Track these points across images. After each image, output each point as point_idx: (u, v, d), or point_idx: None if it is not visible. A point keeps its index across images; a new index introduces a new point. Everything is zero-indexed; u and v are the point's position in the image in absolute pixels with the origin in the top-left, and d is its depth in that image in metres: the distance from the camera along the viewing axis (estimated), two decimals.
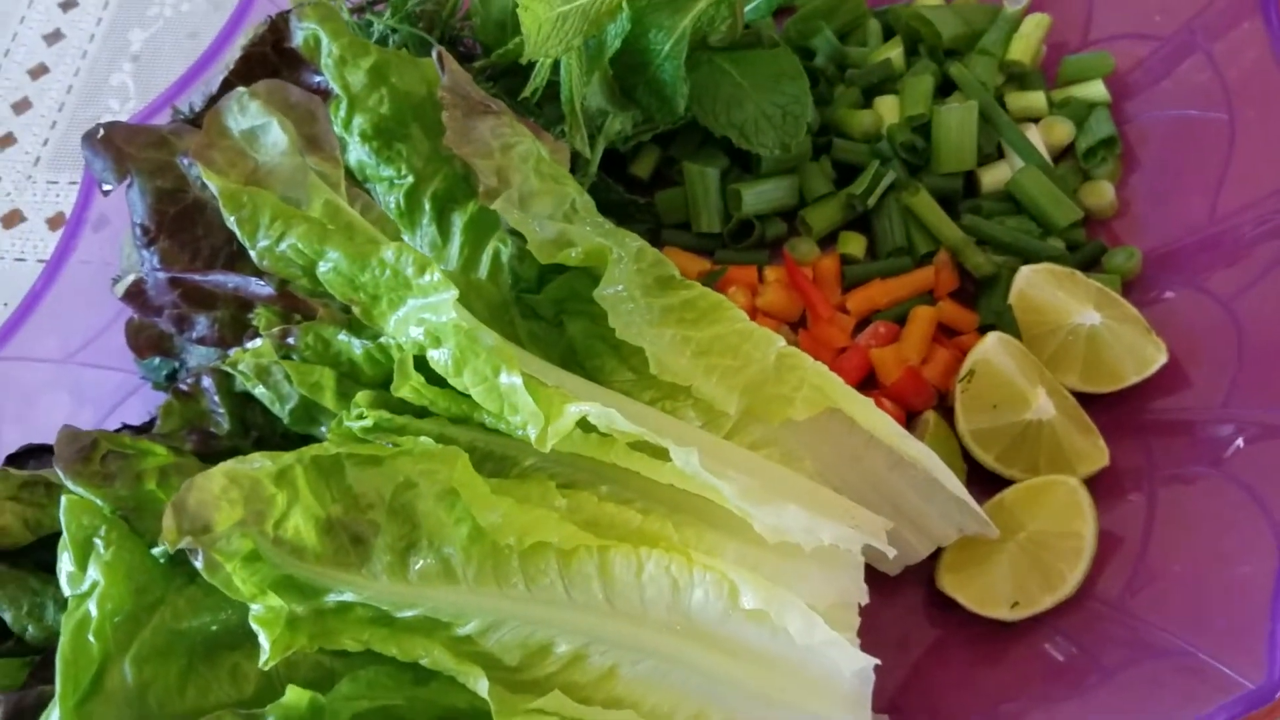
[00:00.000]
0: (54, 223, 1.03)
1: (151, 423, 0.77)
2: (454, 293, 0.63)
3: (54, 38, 1.15)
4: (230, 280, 0.74)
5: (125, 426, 0.80)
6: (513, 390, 0.62)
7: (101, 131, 0.78)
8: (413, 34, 0.91)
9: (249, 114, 0.69)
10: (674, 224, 0.94)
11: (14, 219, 1.04)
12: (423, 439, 0.64)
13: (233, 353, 0.73)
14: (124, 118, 1.08)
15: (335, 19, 0.77)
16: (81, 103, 1.11)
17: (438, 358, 0.64)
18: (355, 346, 0.69)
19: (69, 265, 0.92)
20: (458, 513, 0.60)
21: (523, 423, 0.63)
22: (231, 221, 0.64)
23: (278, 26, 0.80)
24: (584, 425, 0.64)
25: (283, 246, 0.64)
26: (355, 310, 0.66)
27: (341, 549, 0.58)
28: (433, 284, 0.63)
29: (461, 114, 0.73)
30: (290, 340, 0.70)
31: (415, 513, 0.60)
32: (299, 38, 0.79)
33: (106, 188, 0.78)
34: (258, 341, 0.72)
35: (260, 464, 0.59)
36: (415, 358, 0.67)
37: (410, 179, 0.75)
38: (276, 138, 0.70)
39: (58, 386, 0.89)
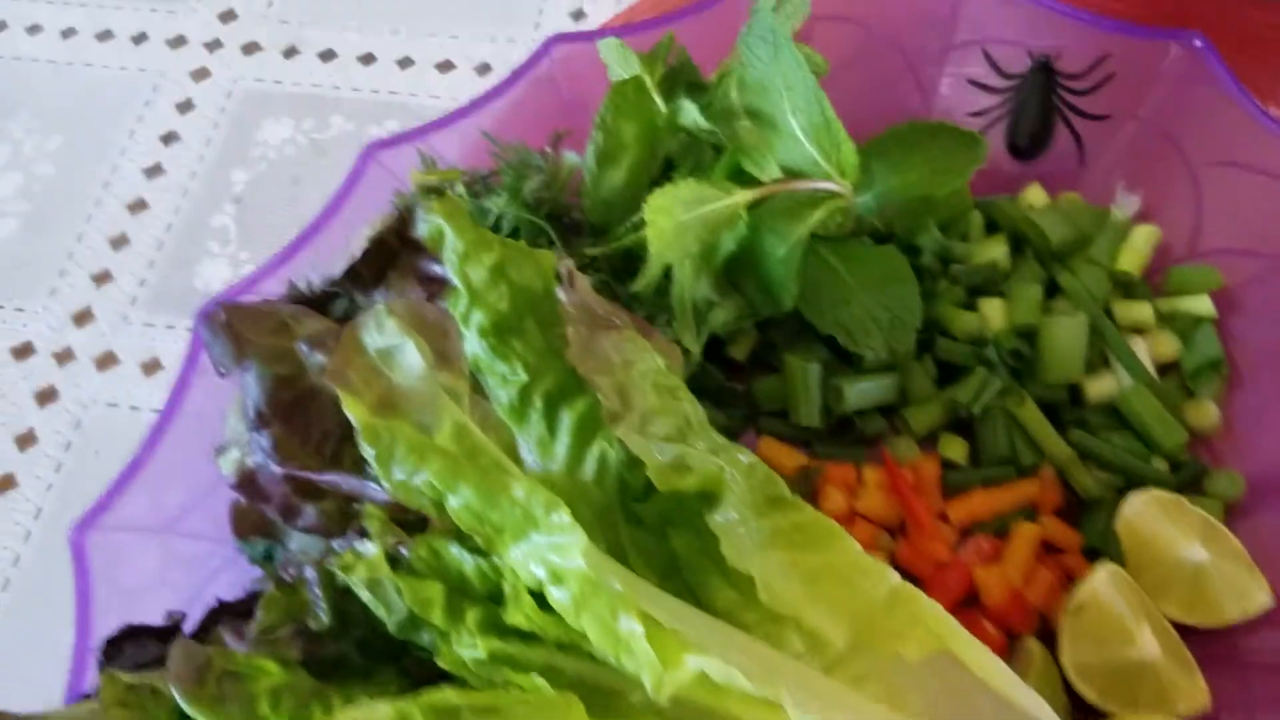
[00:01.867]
0: (148, 368, 1.05)
1: (246, 600, 0.78)
2: (581, 537, 0.63)
3: (154, 171, 1.17)
4: (345, 482, 0.74)
5: (222, 604, 0.80)
6: (632, 637, 0.62)
7: (223, 316, 0.79)
8: (526, 219, 0.92)
9: (386, 332, 0.70)
10: (770, 411, 0.94)
11: (108, 362, 1.06)
12: (537, 678, 0.64)
13: (340, 550, 0.74)
14: (224, 261, 1.11)
15: (460, 215, 0.78)
16: (181, 241, 1.13)
17: (558, 597, 0.64)
18: (467, 562, 0.69)
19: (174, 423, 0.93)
20: None
21: (637, 668, 0.62)
22: (369, 454, 0.65)
23: (404, 217, 0.81)
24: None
25: (416, 481, 0.64)
26: (478, 540, 0.67)
27: None
28: (560, 525, 0.63)
29: (586, 329, 0.74)
30: (403, 551, 0.71)
31: None
32: (424, 229, 0.80)
33: (222, 371, 0.79)
34: (369, 546, 0.72)
35: (379, 713, 0.58)
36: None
37: (523, 376, 0.75)
38: (413, 360, 0.71)
39: (149, 545, 0.90)
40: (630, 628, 0.62)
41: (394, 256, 0.84)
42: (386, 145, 1.02)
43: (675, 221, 0.81)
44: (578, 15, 1.26)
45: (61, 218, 1.15)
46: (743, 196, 0.84)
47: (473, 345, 0.76)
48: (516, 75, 1.07)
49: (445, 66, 1.23)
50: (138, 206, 1.15)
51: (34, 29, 1.30)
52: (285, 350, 0.79)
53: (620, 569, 0.66)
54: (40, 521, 0.97)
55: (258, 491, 0.78)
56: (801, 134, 0.87)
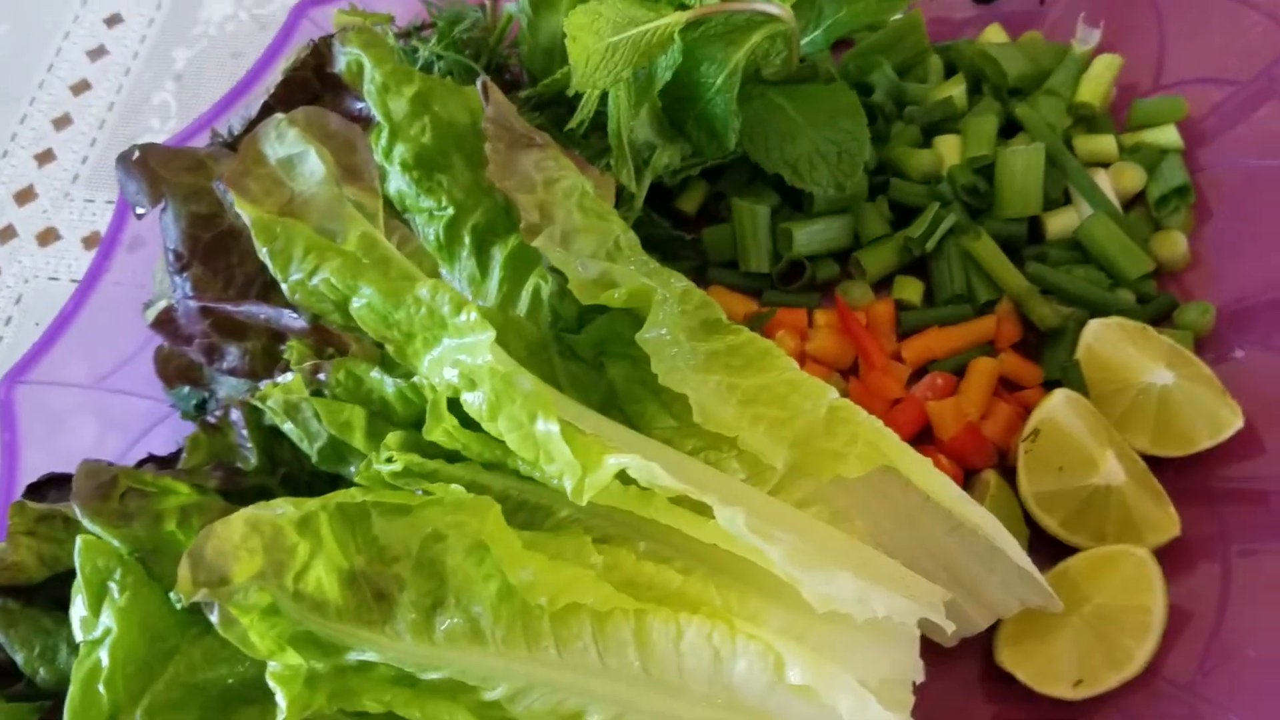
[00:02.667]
0: (89, 242, 1.02)
1: (178, 454, 0.75)
2: (491, 334, 0.60)
3: (98, 53, 1.15)
4: (262, 311, 0.72)
5: (151, 457, 0.77)
6: (549, 438, 0.60)
7: (137, 153, 0.76)
8: (458, 61, 0.89)
9: (287, 142, 0.67)
10: (721, 262, 0.91)
11: (49, 237, 1.03)
12: (454, 487, 0.61)
13: (263, 386, 0.71)
14: (165, 137, 1.08)
15: (379, 45, 0.75)
16: (122, 121, 1.10)
17: (472, 401, 0.62)
18: (388, 385, 0.67)
19: (101, 287, 0.91)
20: (487, 569, 0.57)
21: (559, 473, 0.60)
22: (264, 253, 0.62)
23: (320, 51, 0.78)
24: (623, 478, 0.61)
25: (315, 281, 0.61)
26: (388, 348, 0.64)
27: (364, 605, 0.55)
28: (469, 324, 0.61)
29: (505, 146, 0.71)
30: (321, 376, 0.68)
31: (443, 568, 0.57)
32: (342, 63, 0.77)
33: (140, 211, 0.77)
34: (288, 376, 0.69)
35: (283, 510, 0.56)
36: (449, 400, 0.64)
37: (450, 210, 0.73)
38: (314, 167, 0.68)
39: (85, 410, 0.87)
40: (546, 429, 0.59)
41: (315, 96, 0.80)
42: (318, 2, 0.99)
43: (603, 43, 0.78)
44: None
45: (6, 100, 1.12)
46: (675, 17, 0.80)
47: (396, 181, 0.73)
48: None
49: None
50: (80, 87, 1.12)
51: None
52: (203, 188, 0.76)
53: (537, 380, 0.63)
54: None
55: (178, 333, 0.76)
56: None
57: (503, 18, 0.96)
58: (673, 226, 0.92)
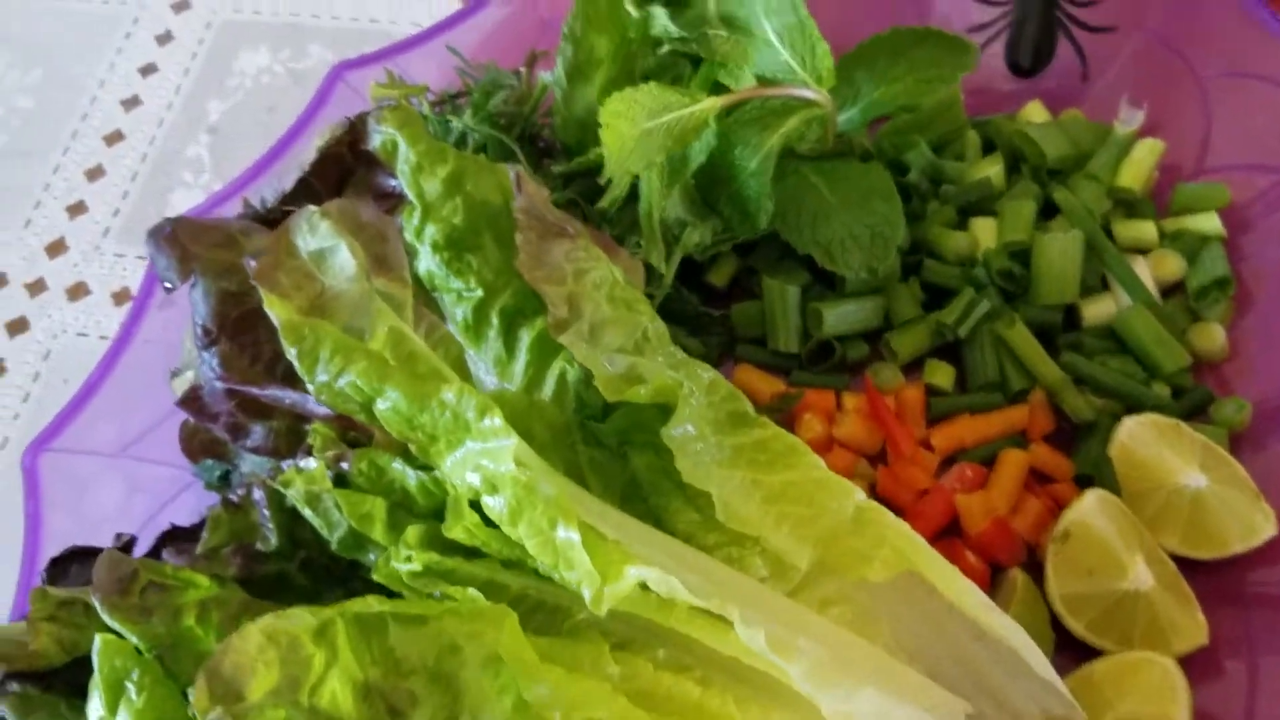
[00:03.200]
0: (119, 297, 1.03)
1: (200, 525, 0.75)
2: (514, 441, 0.60)
3: (131, 104, 1.15)
4: (288, 396, 0.72)
5: (174, 529, 0.77)
6: (569, 546, 0.59)
7: (168, 229, 0.76)
8: (492, 135, 0.88)
9: (319, 234, 0.68)
10: (750, 338, 0.90)
11: (79, 292, 1.04)
12: (471, 592, 0.61)
13: (286, 467, 0.71)
14: (197, 192, 1.08)
15: (414, 124, 0.75)
16: (155, 173, 1.11)
17: (493, 505, 0.61)
18: (410, 477, 0.67)
19: (131, 348, 0.91)
20: (502, 683, 0.57)
21: (578, 581, 0.59)
22: (292, 354, 0.62)
23: (356, 128, 0.78)
24: (643, 585, 0.60)
25: (341, 383, 0.61)
26: (412, 448, 0.64)
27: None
28: (493, 429, 0.60)
29: (536, 237, 0.71)
30: (344, 465, 0.68)
31: (458, 682, 0.56)
32: (376, 140, 0.77)
33: (168, 286, 0.77)
34: (311, 462, 0.69)
35: (300, 619, 0.56)
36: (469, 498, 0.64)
37: (479, 292, 0.72)
38: (344, 262, 0.68)
39: (111, 473, 0.88)
40: (567, 536, 0.59)
41: (349, 172, 0.81)
42: (354, 65, 1.00)
43: (637, 129, 0.77)
44: None
45: (38, 150, 1.13)
46: (710, 103, 0.80)
47: (426, 261, 0.72)
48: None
49: None
50: (114, 138, 1.13)
51: None
52: (233, 265, 0.76)
53: (560, 479, 0.63)
54: (6, 451, 0.96)
55: (204, 409, 0.76)
56: (775, 38, 0.82)
57: (537, 87, 0.96)
58: (702, 300, 0.92)
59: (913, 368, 0.88)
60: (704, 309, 0.90)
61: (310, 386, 0.63)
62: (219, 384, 0.74)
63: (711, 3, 0.94)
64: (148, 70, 1.17)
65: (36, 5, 1.23)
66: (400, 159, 0.74)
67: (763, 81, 0.84)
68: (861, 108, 0.89)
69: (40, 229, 1.08)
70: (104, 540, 0.73)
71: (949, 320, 0.84)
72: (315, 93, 0.98)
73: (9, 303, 1.04)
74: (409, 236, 0.73)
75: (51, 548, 0.74)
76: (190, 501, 0.86)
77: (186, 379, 0.81)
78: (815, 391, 0.86)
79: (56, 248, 1.07)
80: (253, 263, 0.74)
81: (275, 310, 0.63)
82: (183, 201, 1.08)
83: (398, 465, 0.67)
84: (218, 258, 0.78)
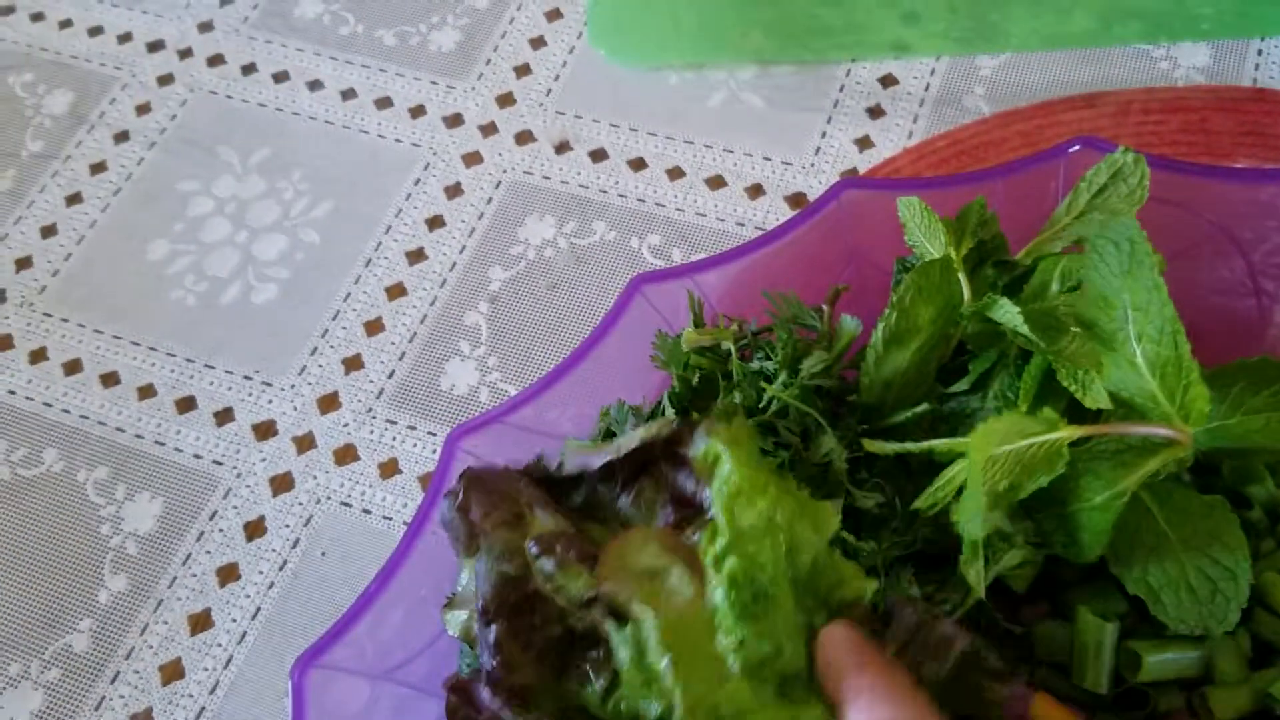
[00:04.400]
0: (385, 470, 1.03)
1: None
2: None
3: (416, 257, 1.16)
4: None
5: None
6: None
7: (460, 496, 0.76)
8: (799, 406, 0.85)
9: (648, 554, 0.65)
10: (1051, 663, 0.84)
11: (347, 456, 1.04)
12: None
13: None
14: (471, 365, 1.08)
15: (744, 444, 0.72)
16: (432, 337, 1.11)
17: None
18: None
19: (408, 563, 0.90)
20: None
21: None
22: None
23: (681, 434, 0.75)
24: None
25: None
26: None
27: None
28: None
29: None
30: None
31: None
32: (699, 449, 0.74)
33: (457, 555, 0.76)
34: None
35: None
36: None
37: (765, 648, 0.68)
38: (677, 583, 0.65)
39: (358, 685, 0.87)
40: None
41: (652, 461, 0.78)
42: (653, 280, 0.98)
43: (985, 455, 0.73)
44: (863, 144, 1.18)
45: (322, 291, 1.15)
46: (1067, 433, 0.75)
47: (717, 595, 0.69)
48: (797, 221, 1.00)
49: (716, 182, 1.18)
50: (396, 291, 1.14)
51: (315, 85, 1.31)
52: (516, 547, 0.75)
53: None
54: (257, 622, 0.96)
55: (471, 702, 0.74)
56: (1145, 364, 0.77)
57: (841, 337, 0.93)
58: (990, 597, 0.86)
59: None
60: (1007, 625, 0.84)
61: None
62: (488, 692, 0.73)
63: (1055, 289, 0.89)
64: (435, 223, 1.18)
65: (330, 133, 1.26)
66: (719, 477, 0.71)
67: (1119, 405, 0.78)
68: (1206, 432, 0.83)
69: (315, 378, 1.09)
70: None
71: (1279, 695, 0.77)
72: (614, 305, 0.96)
73: (278, 456, 1.05)
74: (705, 560, 0.70)
75: None
76: None
77: (459, 618, 0.80)
78: None
79: (329, 403, 1.07)
80: (535, 549, 0.73)
81: None
82: (457, 373, 1.08)
83: None
84: (503, 538, 0.76)
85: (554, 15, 1.34)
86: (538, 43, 1.31)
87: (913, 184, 1.01)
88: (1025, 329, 0.81)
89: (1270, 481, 0.85)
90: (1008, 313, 0.83)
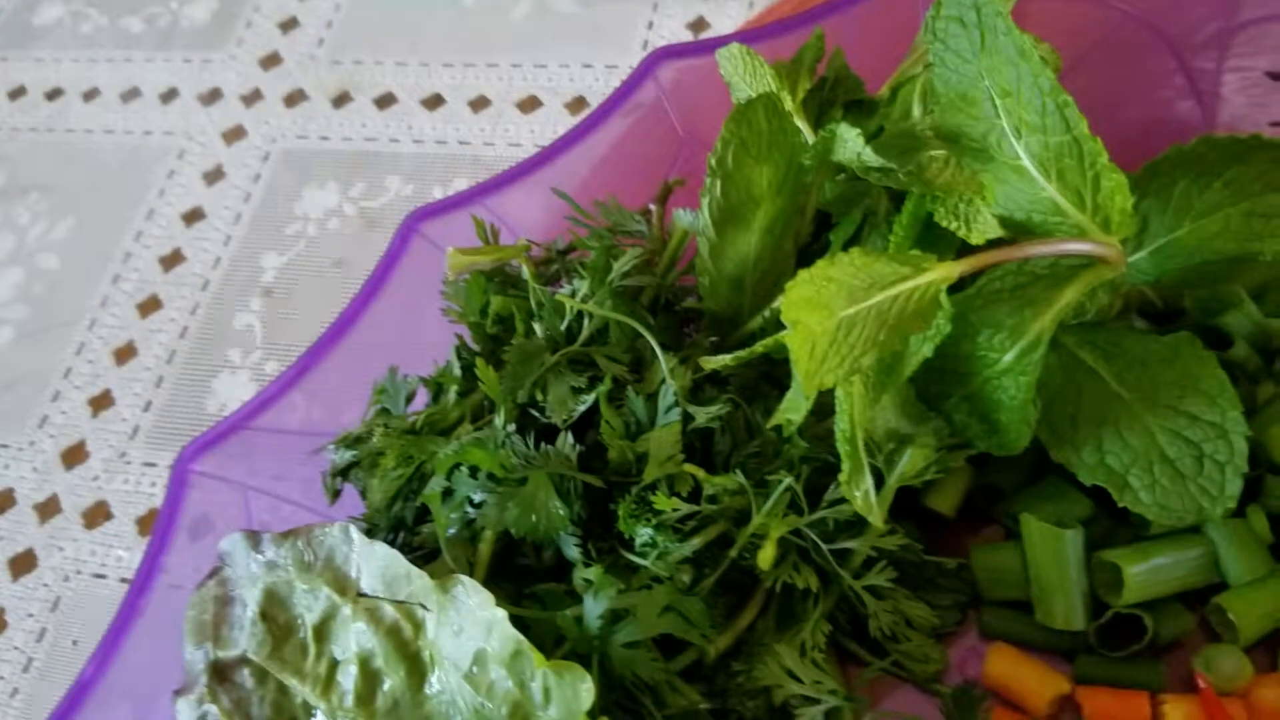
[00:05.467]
0: (144, 524, 0.81)
1: None
2: None
3: (172, 261, 0.96)
4: None
5: None
6: None
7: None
8: (615, 316, 0.63)
9: None
10: (1003, 601, 0.62)
11: (97, 516, 0.83)
12: None
13: None
14: (245, 375, 0.88)
15: None
16: (195, 352, 0.90)
17: None
18: None
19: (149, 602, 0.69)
20: None
21: None
22: None
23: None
24: None
25: None
26: None
27: None
28: None
29: None
30: None
31: None
32: None
33: None
34: None
35: None
36: None
37: None
38: None
39: None
40: None
41: None
42: (431, 214, 0.77)
43: (833, 319, 0.51)
44: (698, 26, 0.98)
45: (61, 325, 0.94)
46: (940, 272, 0.53)
47: None
48: (607, 108, 0.80)
49: (529, 104, 0.98)
50: (149, 306, 0.93)
51: (55, 93, 1.11)
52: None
53: None
54: None
55: None
56: (1033, 164, 0.56)
57: (673, 233, 0.72)
58: (919, 534, 0.64)
59: (1264, 647, 0.58)
60: (929, 559, 0.62)
61: None
62: None
63: (917, 111, 0.68)
64: (192, 217, 0.97)
65: (69, 142, 1.06)
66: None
67: (1014, 230, 0.57)
68: (1151, 254, 0.61)
69: (57, 428, 0.88)
70: None
71: None
72: (385, 253, 0.75)
73: (14, 532, 0.83)
74: None
75: None
76: None
77: (190, 704, 0.58)
78: (1116, 695, 0.57)
79: (75, 455, 0.86)
80: None
81: None
82: (228, 389, 0.87)
83: None
84: None
85: None
86: None
87: (739, 37, 0.81)
88: (874, 159, 0.60)
89: (1249, 305, 0.63)
90: (848, 141, 0.62)
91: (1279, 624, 0.58)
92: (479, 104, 0.99)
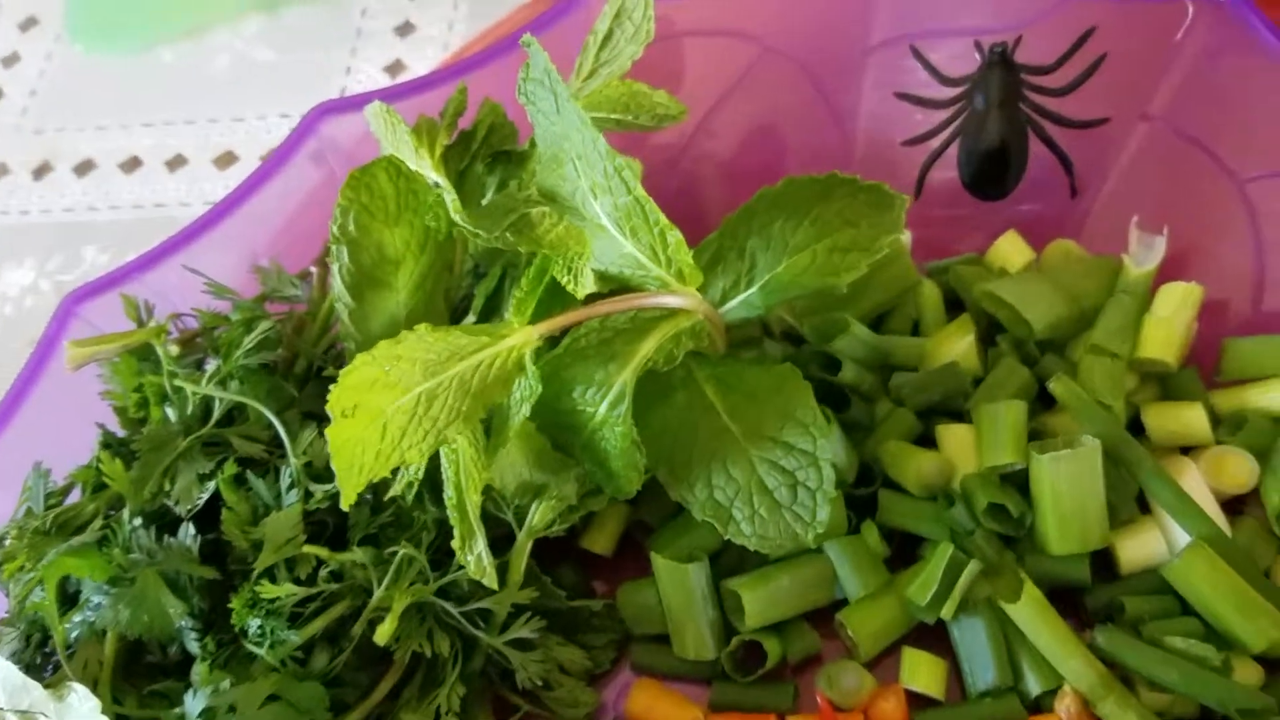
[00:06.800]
0: None
1: None
2: None
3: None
4: None
5: None
6: None
7: None
8: (232, 399, 0.64)
9: None
10: (651, 635, 0.65)
11: None
12: None
13: None
14: None
15: None
16: None
17: None
18: None
19: None
20: None
21: None
22: None
23: None
24: None
25: None
26: None
27: None
28: None
29: None
30: None
31: None
32: None
33: None
34: None
35: None
36: None
37: None
38: None
39: None
40: None
41: None
42: (89, 294, 0.76)
43: (410, 394, 0.53)
44: (395, 68, 0.99)
45: None
46: (521, 337, 0.55)
47: None
48: (267, 170, 0.80)
49: (225, 160, 0.97)
50: None
51: None
52: None
53: None
54: None
55: None
56: (610, 223, 0.58)
57: (327, 299, 0.73)
58: (579, 573, 0.67)
59: (882, 661, 0.62)
60: (575, 604, 0.64)
61: None
62: None
63: (533, 168, 0.70)
64: None
65: None
66: None
67: (608, 282, 0.59)
68: (760, 289, 0.64)
69: None
70: None
71: (921, 598, 0.59)
72: (39, 341, 0.74)
73: None
74: None
75: None
76: None
77: None
78: (743, 718, 0.61)
79: None
80: None
81: None
82: None
83: None
84: None
85: (28, 24, 1.11)
86: (10, 60, 1.09)
87: (400, 90, 0.81)
88: (464, 222, 0.62)
89: (857, 328, 0.67)
90: (447, 200, 0.64)
91: (894, 635, 0.62)
92: (175, 163, 0.98)
